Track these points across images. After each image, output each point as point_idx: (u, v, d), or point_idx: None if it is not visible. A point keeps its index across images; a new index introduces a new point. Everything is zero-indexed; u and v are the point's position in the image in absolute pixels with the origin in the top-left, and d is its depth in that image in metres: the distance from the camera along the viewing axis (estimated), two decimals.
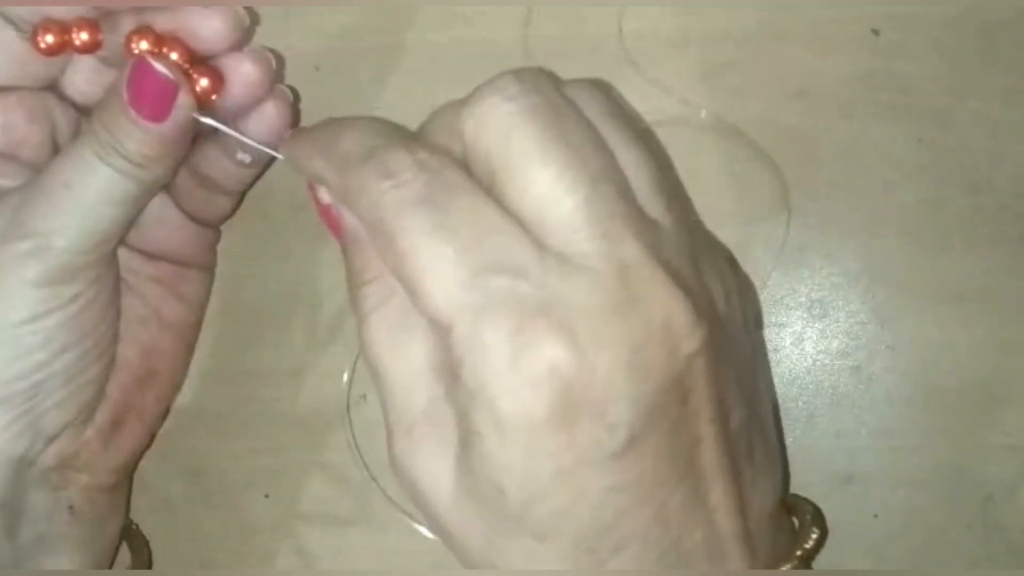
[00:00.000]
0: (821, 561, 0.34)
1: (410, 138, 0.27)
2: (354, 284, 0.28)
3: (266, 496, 0.36)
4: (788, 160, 0.35)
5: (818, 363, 0.35)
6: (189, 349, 0.35)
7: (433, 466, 0.26)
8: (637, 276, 0.24)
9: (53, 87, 0.32)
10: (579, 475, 0.24)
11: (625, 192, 0.26)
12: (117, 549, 0.35)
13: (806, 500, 0.32)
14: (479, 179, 0.26)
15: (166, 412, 0.36)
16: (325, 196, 0.28)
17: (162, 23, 0.29)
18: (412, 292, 0.25)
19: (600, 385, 0.24)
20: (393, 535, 0.35)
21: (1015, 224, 0.35)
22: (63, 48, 0.29)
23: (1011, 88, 0.35)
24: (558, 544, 0.25)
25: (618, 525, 0.25)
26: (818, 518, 0.30)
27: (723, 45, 0.36)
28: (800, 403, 0.35)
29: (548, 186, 0.25)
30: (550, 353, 0.24)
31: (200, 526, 0.36)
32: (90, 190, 0.29)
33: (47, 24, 0.29)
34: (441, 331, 0.25)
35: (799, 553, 0.29)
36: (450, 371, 0.25)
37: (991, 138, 0.35)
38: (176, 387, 0.35)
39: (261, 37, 0.36)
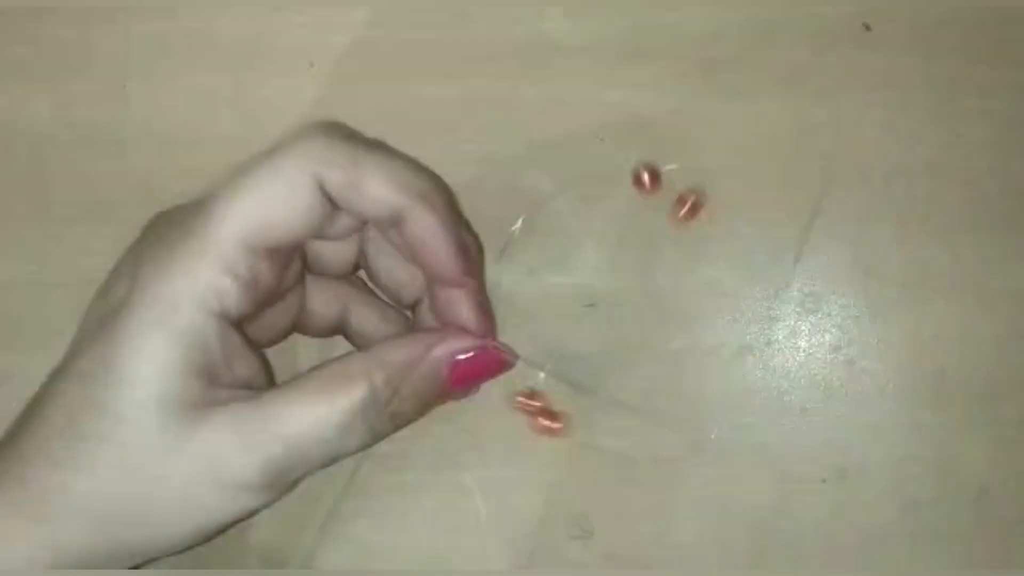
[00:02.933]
0: (814, 553, 0.34)
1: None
2: None
3: None
4: (781, 154, 0.35)
5: (811, 357, 0.35)
6: None
7: None
8: None
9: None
10: None
11: None
12: None
13: None
14: None
15: None
16: None
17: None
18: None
19: None
20: (389, 529, 0.35)
21: (1009, 218, 0.35)
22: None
23: (1004, 82, 0.35)
24: None
25: None
26: None
27: (716, 41, 0.36)
28: (793, 396, 0.35)
29: None
30: None
31: None
32: (340, 446, 0.28)
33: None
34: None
35: None
36: None
37: (984, 132, 0.35)
38: None
39: (254, 34, 0.37)
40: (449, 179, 0.34)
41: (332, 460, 0.28)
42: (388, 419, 0.28)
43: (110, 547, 0.27)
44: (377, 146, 0.29)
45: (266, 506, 0.28)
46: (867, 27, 0.35)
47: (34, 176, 0.37)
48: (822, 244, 0.35)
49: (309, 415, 0.27)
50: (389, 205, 0.28)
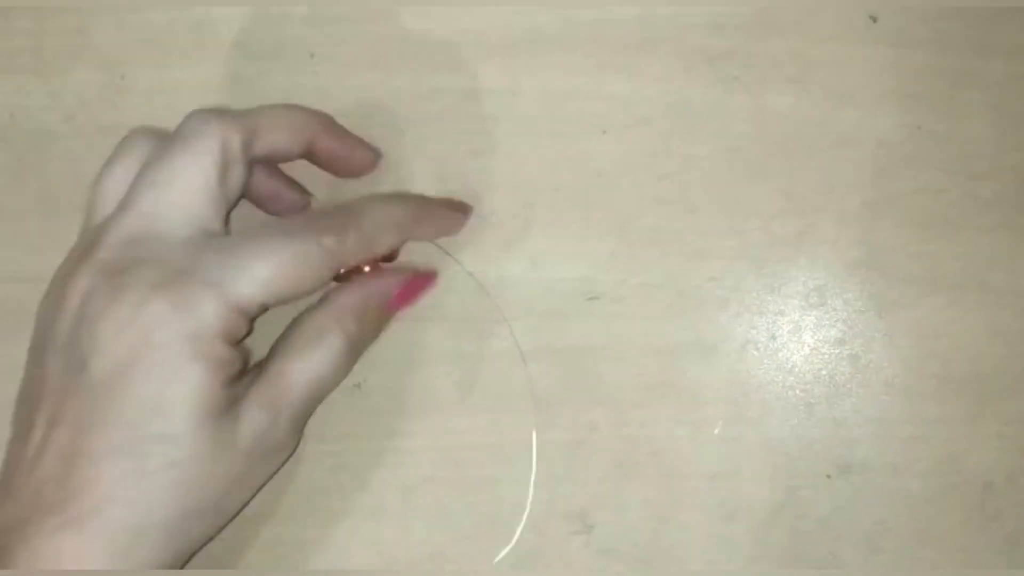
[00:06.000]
0: (818, 548, 0.34)
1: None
2: None
3: None
4: (786, 148, 0.35)
5: (816, 351, 0.35)
6: None
7: None
8: None
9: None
10: None
11: None
12: None
13: None
14: None
15: None
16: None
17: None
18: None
19: None
20: (388, 525, 0.35)
21: (1013, 212, 0.35)
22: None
23: (1010, 76, 0.35)
24: None
25: None
26: None
27: (721, 32, 0.35)
28: (798, 391, 0.35)
29: None
30: None
31: None
32: (334, 381, 0.33)
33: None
34: None
35: None
36: None
37: (989, 126, 0.35)
38: None
39: (254, 25, 0.36)
40: (449, 172, 0.34)
41: (328, 393, 0.33)
42: (360, 350, 0.33)
43: (171, 551, 0.31)
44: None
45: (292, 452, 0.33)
46: (874, 19, 0.35)
47: (32, 168, 0.37)
48: (827, 238, 0.35)
49: (309, 369, 0.32)
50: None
